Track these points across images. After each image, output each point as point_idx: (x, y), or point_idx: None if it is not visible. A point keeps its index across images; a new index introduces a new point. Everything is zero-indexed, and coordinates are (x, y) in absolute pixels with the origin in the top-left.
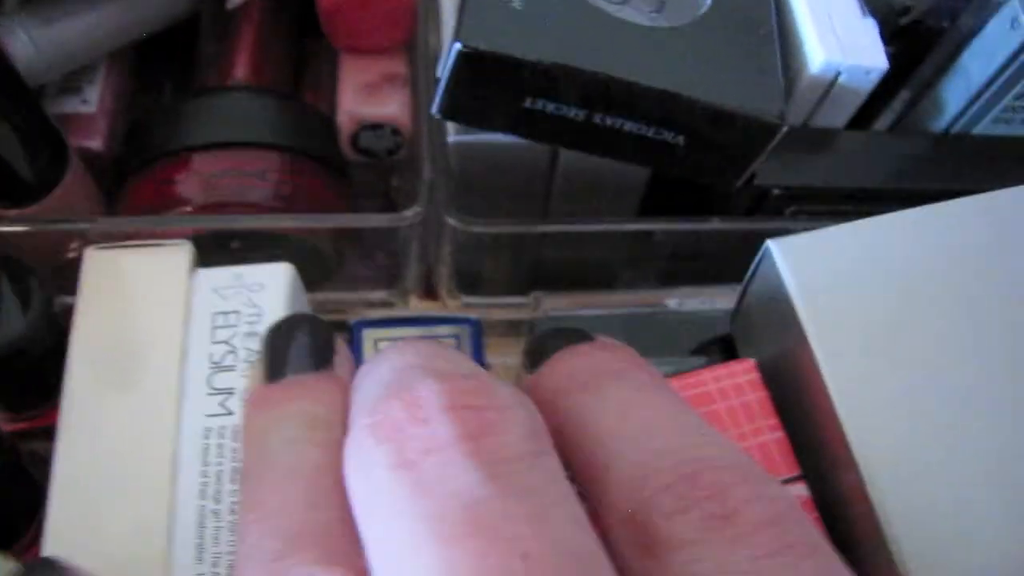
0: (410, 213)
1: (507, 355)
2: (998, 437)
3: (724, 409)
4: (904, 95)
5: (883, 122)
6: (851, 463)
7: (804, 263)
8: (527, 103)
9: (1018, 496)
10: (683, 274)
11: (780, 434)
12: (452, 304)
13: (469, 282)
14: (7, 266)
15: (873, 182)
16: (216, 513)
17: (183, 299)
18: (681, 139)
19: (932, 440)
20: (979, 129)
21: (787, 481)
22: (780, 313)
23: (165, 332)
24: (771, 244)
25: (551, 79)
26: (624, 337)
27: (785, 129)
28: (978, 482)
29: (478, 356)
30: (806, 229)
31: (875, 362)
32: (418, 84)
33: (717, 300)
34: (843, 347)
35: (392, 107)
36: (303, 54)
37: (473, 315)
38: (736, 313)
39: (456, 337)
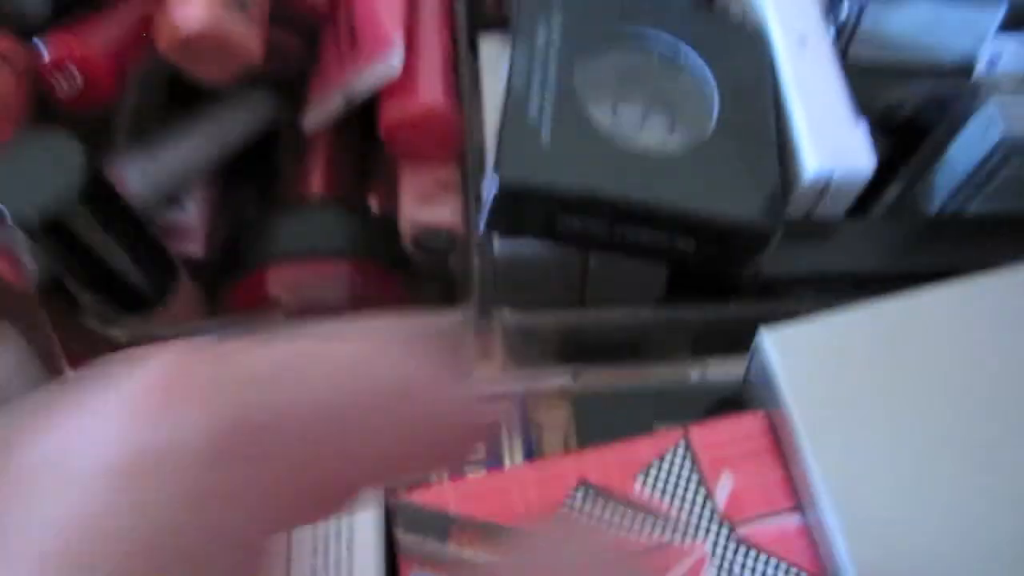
0: (460, 312)
1: (547, 417)
2: (969, 510)
3: (735, 453)
4: (900, 182)
5: (882, 207)
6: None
7: (792, 349)
8: (558, 222)
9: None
10: (708, 344)
11: (780, 473)
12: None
13: (523, 355)
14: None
15: (871, 265)
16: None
17: None
18: (692, 244)
19: (906, 513)
20: (972, 208)
21: (784, 511)
22: (772, 391)
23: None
24: (763, 332)
25: (578, 204)
26: (654, 408)
27: (778, 235)
28: (945, 548)
29: (526, 426)
30: (811, 310)
31: (854, 440)
32: (468, 190)
33: (732, 370)
34: (824, 426)
35: (445, 213)
36: (370, 163)
37: (517, 387)
38: (744, 383)
39: (505, 411)
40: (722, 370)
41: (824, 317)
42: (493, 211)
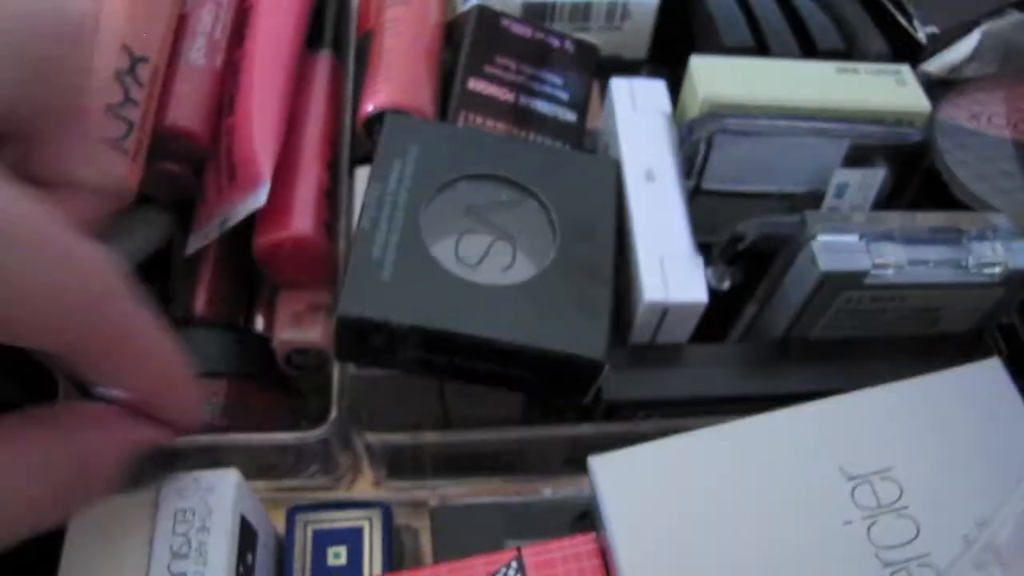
0: (314, 433)
1: (415, 521)
2: None
3: (563, 573)
4: (752, 308)
5: (740, 325)
6: None
7: (617, 475)
8: (398, 351)
9: None
10: (565, 460)
11: None
12: (378, 489)
13: (393, 469)
14: None
15: (715, 390)
16: None
17: (154, 497)
18: (528, 373)
19: None
20: (813, 334)
21: None
22: (600, 512)
23: (141, 526)
24: (591, 460)
25: (412, 336)
26: (506, 522)
27: (606, 367)
28: None
29: (387, 536)
30: (655, 431)
31: (662, 560)
32: None
33: (581, 488)
34: (643, 554)
35: (315, 334)
36: (257, 285)
37: (387, 498)
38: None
39: (369, 519)
40: (576, 487)
41: (651, 444)
42: (337, 341)
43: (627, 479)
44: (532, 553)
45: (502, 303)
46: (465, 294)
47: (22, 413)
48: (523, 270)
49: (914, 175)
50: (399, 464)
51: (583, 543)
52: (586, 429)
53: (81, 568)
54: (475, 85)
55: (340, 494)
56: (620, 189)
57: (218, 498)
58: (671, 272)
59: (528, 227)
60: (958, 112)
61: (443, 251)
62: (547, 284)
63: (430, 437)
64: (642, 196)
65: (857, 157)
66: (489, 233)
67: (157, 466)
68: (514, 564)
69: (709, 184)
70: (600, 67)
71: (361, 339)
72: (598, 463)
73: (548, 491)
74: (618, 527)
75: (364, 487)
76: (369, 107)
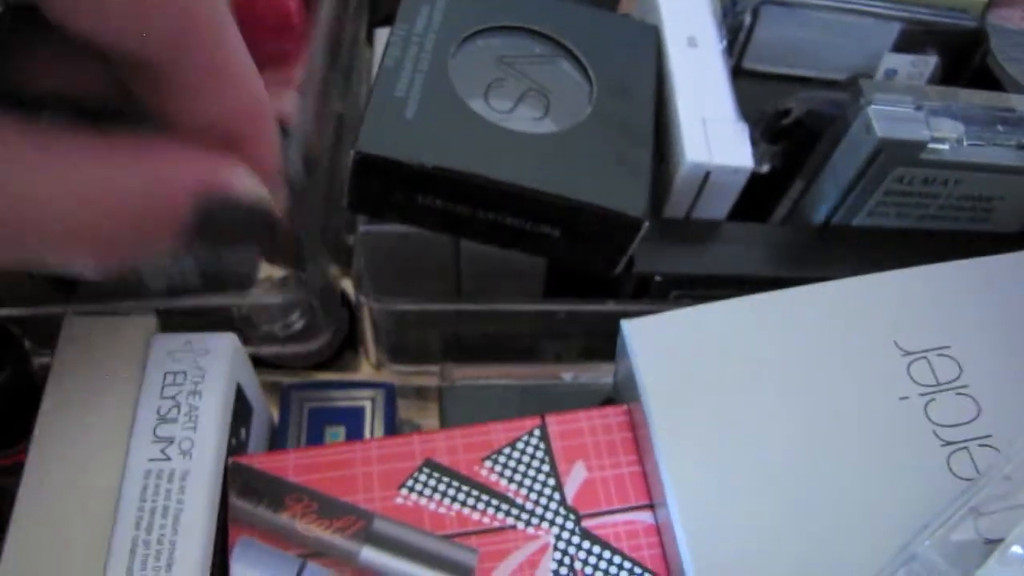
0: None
1: (420, 417)
2: (805, 501)
3: (592, 443)
4: (797, 188)
5: (780, 212)
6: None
7: (652, 340)
8: (418, 199)
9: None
10: (584, 351)
11: (637, 468)
12: (384, 372)
13: (397, 352)
14: None
15: (751, 270)
16: (146, 543)
17: (141, 360)
18: (557, 232)
19: (742, 497)
20: (857, 221)
21: (636, 508)
22: (632, 382)
23: (124, 386)
24: (623, 324)
25: (436, 180)
26: (523, 404)
27: (646, 224)
28: (777, 540)
29: (390, 415)
30: None
31: (706, 438)
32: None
33: (603, 374)
34: (677, 422)
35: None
36: None
37: (390, 380)
38: (615, 384)
39: (371, 400)
40: (599, 373)
41: (690, 309)
42: (352, 185)
43: (663, 345)
44: (556, 422)
45: (536, 151)
46: (496, 139)
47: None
48: (558, 122)
49: (966, 67)
50: (404, 344)
51: (612, 414)
52: (612, 306)
53: (58, 429)
54: None
55: (339, 375)
56: (659, 54)
57: (212, 361)
58: (714, 135)
59: (562, 82)
60: (1011, 13)
61: (472, 95)
62: (584, 137)
63: (441, 307)
64: (683, 61)
65: (908, 43)
66: (521, 83)
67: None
68: (536, 432)
69: (750, 63)
70: None
71: (379, 183)
72: (632, 327)
73: (568, 375)
74: (653, 396)
75: (366, 372)
76: None
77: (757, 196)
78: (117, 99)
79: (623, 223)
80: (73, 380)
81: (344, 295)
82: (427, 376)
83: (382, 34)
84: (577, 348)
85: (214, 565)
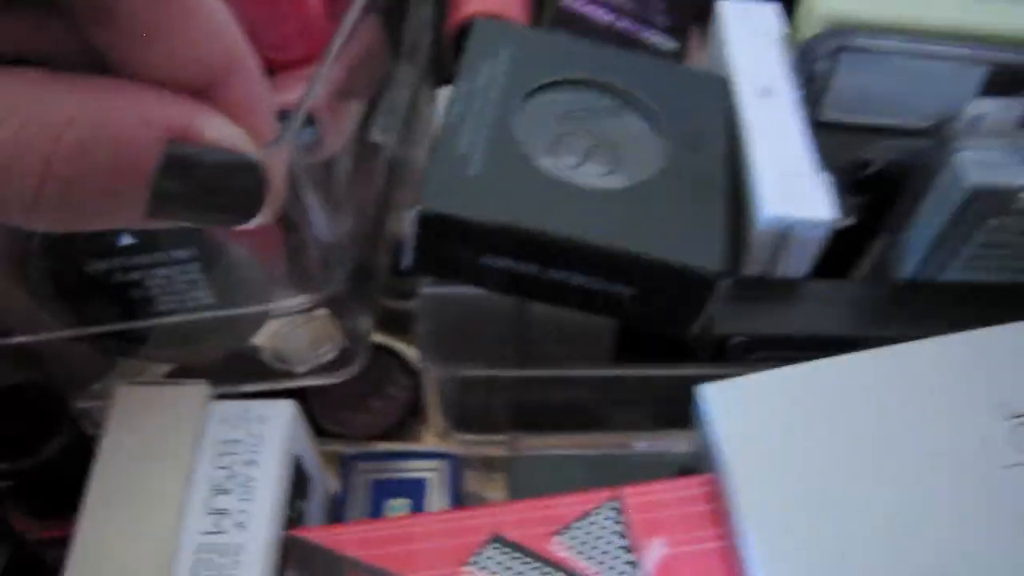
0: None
1: (486, 489)
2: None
3: (671, 518)
4: (880, 243)
5: (863, 268)
6: None
7: (734, 406)
8: (484, 260)
9: None
10: (658, 419)
11: (723, 543)
12: (449, 442)
13: (461, 421)
14: (46, 395)
15: (835, 330)
16: None
17: (195, 429)
18: (629, 291)
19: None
20: (947, 276)
21: None
22: (713, 451)
23: (177, 457)
24: (701, 388)
25: (502, 238)
26: (594, 475)
27: (722, 282)
28: None
29: (455, 487)
30: None
31: (790, 504)
32: None
33: (679, 442)
34: (755, 480)
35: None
36: None
37: (455, 451)
38: (692, 452)
39: (435, 471)
40: (674, 441)
41: (770, 373)
42: (416, 245)
43: (745, 411)
44: (633, 494)
45: (606, 207)
46: (564, 195)
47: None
48: (628, 177)
49: None
50: (469, 412)
51: (692, 486)
52: (689, 371)
53: (108, 501)
54: (570, 2)
55: (402, 445)
56: (731, 106)
57: (269, 429)
58: (793, 188)
59: (630, 136)
60: None
61: (537, 151)
62: (656, 192)
63: (507, 373)
64: (757, 111)
65: (996, 85)
66: (588, 138)
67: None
68: (611, 505)
69: (828, 114)
70: None
71: (444, 243)
72: (711, 392)
73: (642, 444)
74: (736, 466)
75: (430, 442)
76: (460, 16)
77: (839, 252)
78: (78, 58)
79: (698, 281)
80: (124, 450)
81: (406, 362)
82: (493, 446)
83: (445, 93)
84: (650, 415)
85: None
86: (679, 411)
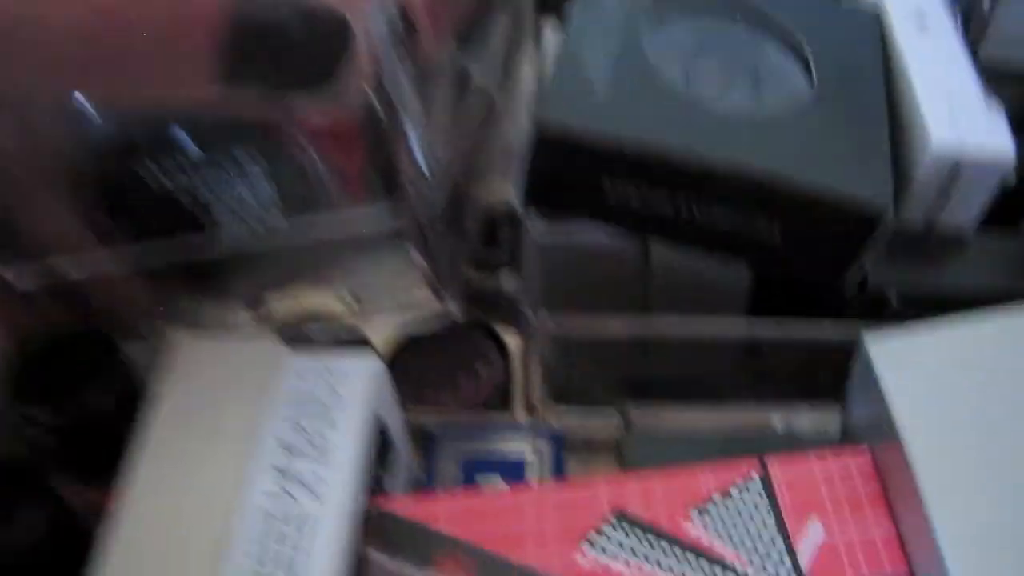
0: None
1: (589, 473)
2: None
3: (829, 495)
4: None
5: None
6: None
7: (903, 361)
8: (610, 189)
9: None
10: (790, 393)
11: (889, 527)
12: (546, 416)
13: (563, 394)
14: (97, 341)
15: (1004, 285)
16: None
17: (265, 382)
18: (777, 231)
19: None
20: None
21: None
22: (877, 417)
23: (242, 412)
24: (868, 339)
25: (635, 163)
26: (724, 458)
27: (890, 219)
28: None
29: (558, 469)
30: None
31: (967, 463)
32: None
33: (828, 421)
34: (936, 447)
35: None
36: None
37: (559, 429)
38: (846, 424)
39: (538, 452)
40: (819, 418)
41: (942, 327)
42: (532, 173)
43: (920, 371)
44: (782, 468)
45: (751, 135)
46: (703, 120)
47: None
48: (772, 105)
49: None
50: (574, 382)
51: (852, 458)
52: (838, 331)
53: (160, 458)
54: None
55: (493, 419)
56: (884, 39)
57: (352, 387)
58: (965, 122)
59: (771, 63)
60: None
61: (672, 74)
62: (809, 121)
63: (625, 331)
64: (916, 45)
65: None
66: (727, 63)
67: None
68: (756, 479)
69: (990, 49)
70: None
71: (564, 168)
72: (879, 349)
73: (778, 421)
74: (912, 433)
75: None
76: None
77: (1007, 199)
78: None
79: (863, 218)
80: (182, 403)
81: (496, 334)
82: (601, 422)
83: (550, 35)
84: (790, 386)
85: None
86: (822, 383)
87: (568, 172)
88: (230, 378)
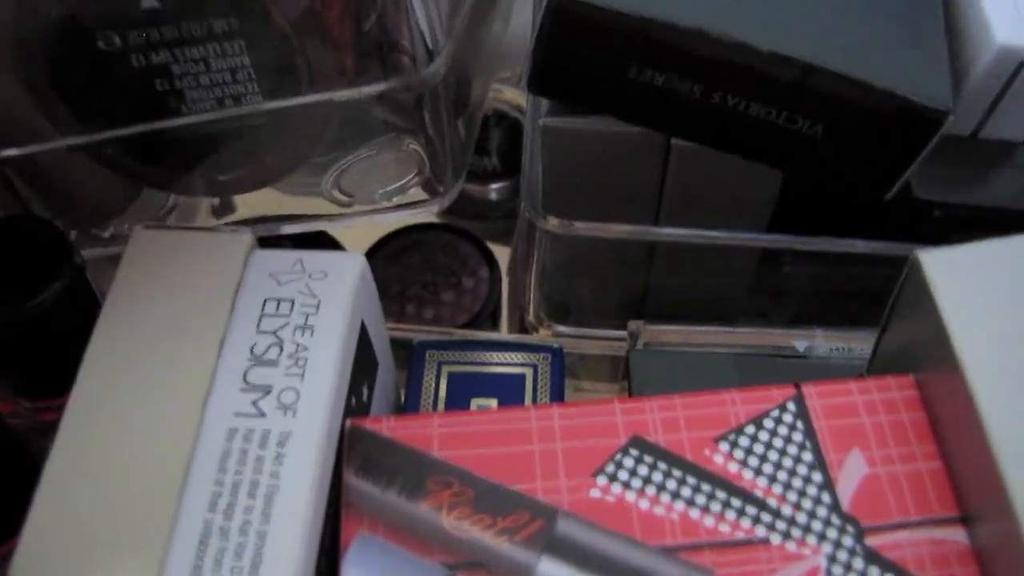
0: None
1: (598, 394)
2: None
3: (871, 425)
4: None
5: None
6: (1006, 507)
7: (960, 279)
8: (632, 73)
9: None
10: (812, 318)
11: (937, 464)
12: (542, 333)
13: (563, 310)
14: (39, 231)
15: None
16: (223, 531)
17: (234, 282)
18: (819, 129)
19: None
20: None
21: (943, 522)
22: (928, 340)
23: (207, 316)
24: (921, 255)
25: (660, 41)
26: (737, 380)
27: (950, 120)
28: None
29: (558, 389)
30: None
31: None
32: None
33: (855, 347)
34: (999, 374)
35: None
36: None
37: (557, 344)
38: (874, 355)
39: (533, 366)
40: (836, 344)
41: (998, 242)
42: (541, 49)
43: (969, 280)
44: (818, 393)
45: (794, 14)
46: None
47: None
48: None
49: None
50: (574, 298)
51: (896, 387)
52: (871, 247)
53: (111, 369)
54: None
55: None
56: None
57: (332, 286)
58: None
59: None
60: None
61: None
62: (859, 5)
63: (638, 236)
64: None
65: None
66: None
67: None
68: (791, 406)
69: None
70: None
71: (578, 47)
72: (935, 261)
73: (802, 344)
74: (962, 338)
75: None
76: None
77: None
78: None
79: (918, 118)
80: (137, 305)
81: (487, 250)
82: (601, 342)
83: None
84: (815, 308)
85: (319, 571)
86: (849, 311)
87: (585, 55)
88: (193, 276)
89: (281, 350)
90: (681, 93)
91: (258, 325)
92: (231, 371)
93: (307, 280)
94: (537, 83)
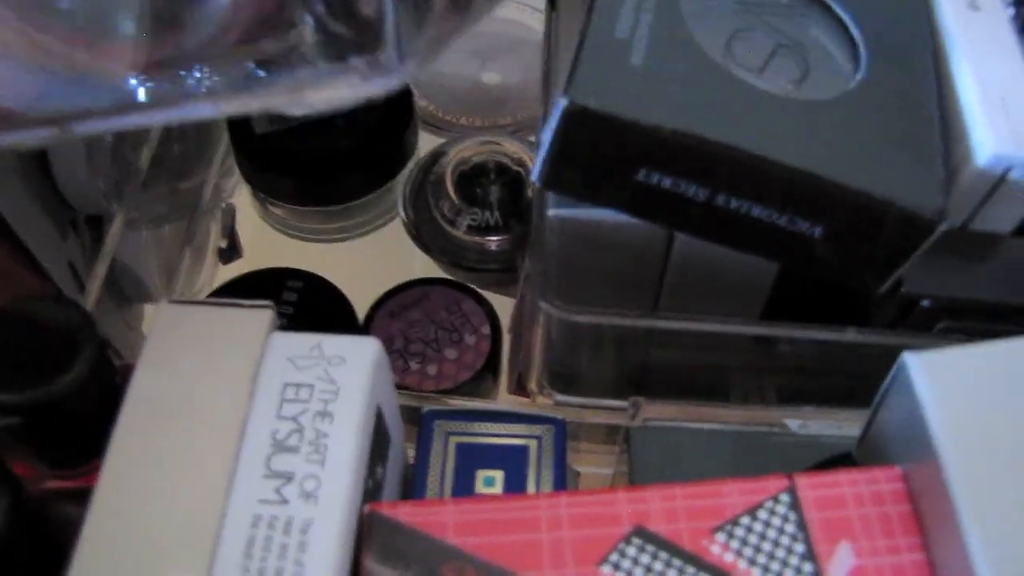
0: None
1: (600, 465)
2: None
3: (858, 517)
4: None
5: None
6: None
7: (944, 381)
8: (640, 176)
9: None
10: (805, 393)
11: (920, 556)
12: (542, 402)
13: (564, 379)
14: (58, 309)
15: None
16: None
17: (253, 365)
18: (819, 231)
19: None
20: None
21: None
22: (912, 436)
23: (228, 399)
24: (908, 357)
25: (669, 149)
26: (732, 457)
27: (943, 228)
28: None
29: (561, 461)
30: None
31: (1010, 490)
32: None
33: (845, 425)
34: (980, 476)
35: None
36: None
37: (560, 416)
38: (863, 437)
39: (538, 438)
40: (836, 423)
41: (986, 345)
42: (552, 151)
43: (960, 389)
44: (811, 486)
45: (796, 121)
46: (746, 100)
47: None
48: (821, 88)
49: None
50: (576, 369)
51: (884, 479)
52: (861, 337)
53: (139, 452)
54: None
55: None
56: (932, 18)
57: (349, 373)
58: (1017, 122)
59: (818, 40)
60: None
61: (713, 45)
62: (858, 110)
63: (643, 322)
64: (965, 26)
65: None
66: (772, 37)
67: None
68: (784, 498)
69: None
70: None
71: (586, 148)
72: (919, 362)
73: (794, 423)
74: (954, 455)
75: (505, 403)
76: None
77: None
78: None
79: (912, 224)
80: (162, 387)
81: (489, 307)
82: (606, 414)
83: None
84: (807, 388)
85: None
86: (839, 388)
87: (595, 157)
88: (215, 357)
89: (302, 436)
90: (686, 195)
91: (279, 410)
92: (254, 457)
93: (325, 365)
94: (546, 179)
